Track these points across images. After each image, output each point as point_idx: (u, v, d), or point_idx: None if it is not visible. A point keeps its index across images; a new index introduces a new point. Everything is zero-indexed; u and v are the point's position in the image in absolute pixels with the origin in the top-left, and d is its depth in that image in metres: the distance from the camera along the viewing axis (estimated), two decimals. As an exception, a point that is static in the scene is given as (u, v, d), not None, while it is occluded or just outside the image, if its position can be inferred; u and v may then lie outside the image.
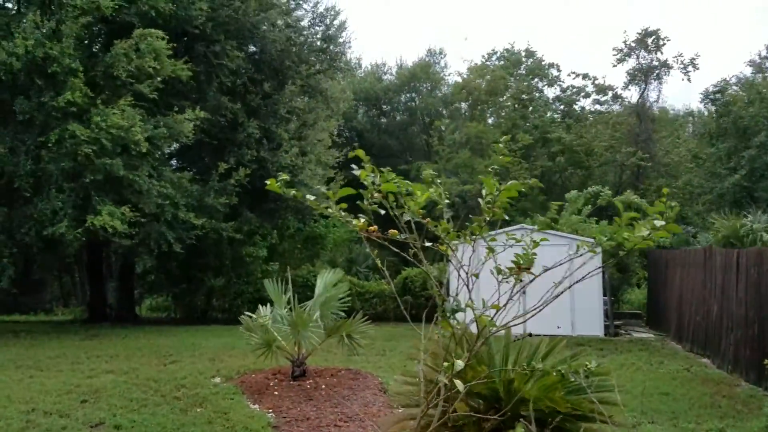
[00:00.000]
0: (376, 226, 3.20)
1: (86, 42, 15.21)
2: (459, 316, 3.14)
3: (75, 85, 13.52)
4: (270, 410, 7.35)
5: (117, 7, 14.28)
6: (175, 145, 18.58)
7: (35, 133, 14.15)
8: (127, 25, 14.99)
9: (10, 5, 15.75)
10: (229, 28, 17.24)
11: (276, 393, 8.10)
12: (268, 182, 3.21)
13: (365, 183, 3.14)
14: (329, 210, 3.17)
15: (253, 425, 6.71)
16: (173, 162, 20.30)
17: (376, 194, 3.06)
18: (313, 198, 3.25)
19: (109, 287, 21.91)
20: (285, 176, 3.26)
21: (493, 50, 32.09)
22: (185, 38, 17.24)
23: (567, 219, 17.44)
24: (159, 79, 14.77)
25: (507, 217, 3.08)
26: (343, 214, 3.20)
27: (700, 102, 25.47)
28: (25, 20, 13.86)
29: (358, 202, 3.18)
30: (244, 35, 17.77)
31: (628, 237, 2.94)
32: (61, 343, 13.84)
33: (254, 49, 18.76)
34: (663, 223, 2.86)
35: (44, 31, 13.59)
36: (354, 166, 3.19)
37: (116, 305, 20.95)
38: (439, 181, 3.26)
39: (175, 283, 20.71)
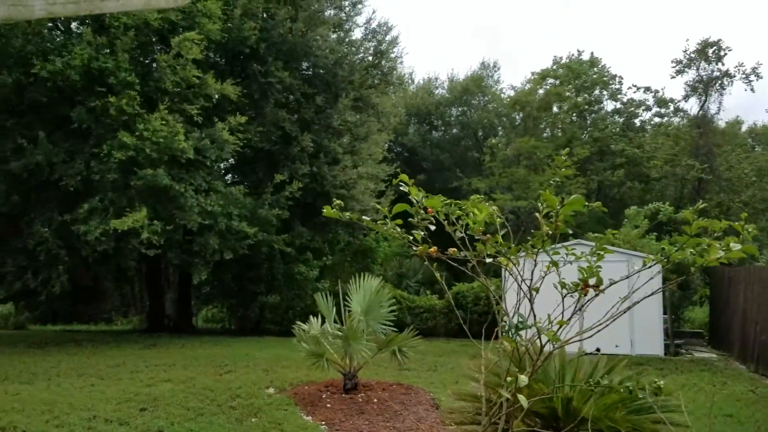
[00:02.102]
0: (435, 247, 3.20)
1: (141, 59, 15.82)
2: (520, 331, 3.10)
3: (129, 96, 14.09)
4: (323, 422, 7.38)
5: (166, 27, 14.85)
6: (231, 160, 19.05)
7: (91, 143, 14.76)
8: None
9: (74, 26, 16.53)
10: (281, 48, 17.65)
11: (328, 405, 8.14)
12: (324, 210, 3.29)
13: (413, 201, 3.16)
14: (385, 228, 3.19)
15: (307, 437, 6.75)
16: (228, 177, 20.82)
17: (422, 211, 3.08)
18: (368, 219, 3.29)
19: (168, 298, 22.55)
20: (339, 202, 3.33)
21: (559, 58, 31.46)
22: (241, 57, 17.74)
23: (625, 234, 17.01)
24: (203, 97, 15.26)
25: (570, 231, 3.02)
26: (399, 230, 3.23)
27: (768, 111, 24.59)
28: (79, 39, 14.56)
29: (410, 220, 3.20)
30: (296, 53, 18.14)
31: (700, 252, 2.85)
32: (121, 352, 14.28)
33: (307, 65, 19.13)
34: (739, 246, 2.78)
35: (96, 47, 14.22)
36: (402, 183, 3.21)
37: (174, 316, 21.53)
38: (488, 204, 3.24)
39: (229, 295, 21.13)
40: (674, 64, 25.38)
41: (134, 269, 22.12)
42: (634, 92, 28.42)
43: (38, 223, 14.69)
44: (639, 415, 3.81)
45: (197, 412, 7.82)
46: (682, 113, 27.68)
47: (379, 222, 3.31)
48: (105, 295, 28.66)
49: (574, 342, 3.30)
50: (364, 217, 3.41)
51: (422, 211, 3.17)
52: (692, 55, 24.92)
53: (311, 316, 9.14)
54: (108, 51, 14.37)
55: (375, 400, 8.33)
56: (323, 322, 9.06)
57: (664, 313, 14.62)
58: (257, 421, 7.42)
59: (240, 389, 9.27)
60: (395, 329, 9.27)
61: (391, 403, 8.28)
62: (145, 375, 10.70)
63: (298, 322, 9.08)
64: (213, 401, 8.48)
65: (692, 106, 26.68)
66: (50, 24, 15.61)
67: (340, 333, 8.64)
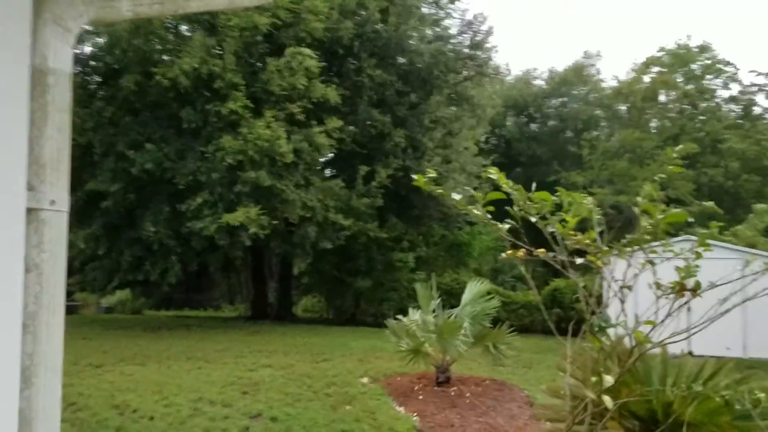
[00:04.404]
0: (523, 251, 3.11)
1: (249, 60, 16.48)
2: (610, 330, 2.96)
3: (237, 97, 14.71)
4: (415, 414, 7.43)
5: (272, 26, 15.36)
6: (330, 155, 19.52)
7: (201, 141, 15.57)
8: (284, 45, 16.06)
9: (184, 27, 17.46)
10: (375, 44, 17.83)
11: (420, 397, 8.19)
12: (415, 177, 3.25)
13: (511, 193, 3.06)
14: (475, 212, 3.12)
15: (399, 427, 6.82)
16: (327, 171, 21.34)
17: (527, 203, 2.97)
18: (458, 197, 3.22)
19: (270, 287, 23.47)
20: (432, 172, 3.27)
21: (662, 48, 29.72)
22: (339, 55, 18.10)
23: (742, 231, 15.91)
24: (307, 99, 15.70)
25: (669, 234, 2.83)
26: (489, 217, 3.15)
27: None
28: (190, 42, 15.35)
29: (506, 208, 3.12)
30: (390, 49, 18.26)
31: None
32: (227, 337, 15.03)
33: (403, 60, 19.19)
34: None
35: (206, 49, 14.94)
36: (492, 171, 3.13)
37: (276, 304, 22.41)
38: (589, 199, 3.09)
39: (327, 286, 21.73)
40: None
41: (240, 259, 23.21)
42: (756, 75, 26.29)
43: (148, 218, 15.68)
44: (747, 421, 3.55)
45: (295, 398, 8.10)
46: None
47: (470, 206, 3.24)
48: (214, 284, 30.30)
49: (673, 342, 3.11)
50: (453, 195, 3.34)
51: (524, 202, 3.05)
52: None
53: (411, 309, 9.23)
54: (217, 52, 15.09)
55: (467, 395, 8.29)
56: (420, 313, 9.09)
57: (783, 315, 13.53)
58: (351, 409, 7.58)
59: (335, 377, 9.50)
60: (490, 325, 9.16)
61: (483, 398, 8.21)
62: (248, 360, 11.20)
63: (398, 317, 9.14)
64: (310, 387, 8.75)
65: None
66: (167, 25, 16.57)
67: (434, 326, 8.63)
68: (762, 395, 2.80)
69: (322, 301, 23.94)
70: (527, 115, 33.63)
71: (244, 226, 14.50)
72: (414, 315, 8.97)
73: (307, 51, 15.23)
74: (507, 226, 3.12)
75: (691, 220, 2.87)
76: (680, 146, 3.20)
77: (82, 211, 16.52)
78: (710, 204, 3.02)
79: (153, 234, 15.41)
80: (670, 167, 3.02)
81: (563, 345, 3.64)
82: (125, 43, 15.36)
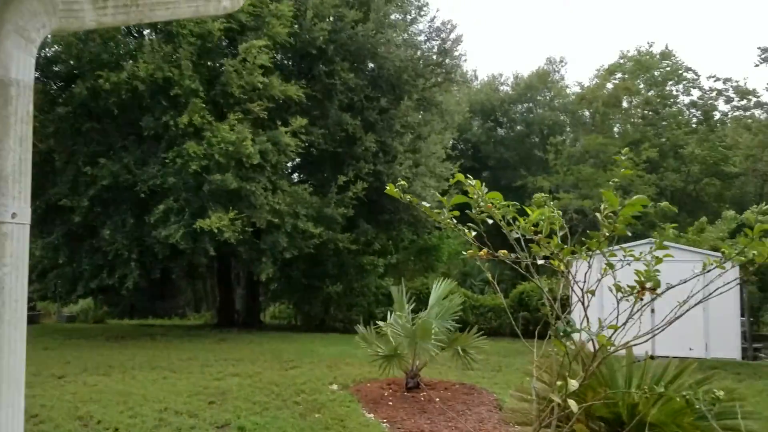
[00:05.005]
0: (486, 250, 3.15)
1: (207, 64, 16.27)
2: (575, 334, 3.01)
3: (195, 106, 14.48)
4: (384, 420, 7.42)
5: (232, 30, 15.18)
6: (297, 160, 19.40)
7: (162, 147, 15.29)
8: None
9: (147, 32, 17.16)
10: (348, 49, 17.83)
11: (390, 403, 8.18)
12: (387, 188, 3.28)
13: (471, 198, 3.10)
14: (442, 217, 3.16)
15: (368, 434, 6.80)
16: (295, 176, 21.22)
17: (482, 204, 3.02)
18: (427, 205, 3.26)
19: (237, 294, 23.20)
20: (403, 182, 3.31)
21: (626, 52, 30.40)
22: (308, 58, 18.03)
23: (708, 233, 16.36)
24: (268, 99, 15.52)
25: (629, 233, 2.91)
26: (454, 222, 3.19)
27: None
28: (144, 48, 15.08)
29: (467, 211, 3.16)
30: (363, 54, 18.29)
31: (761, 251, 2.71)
32: (193, 346, 14.79)
33: (372, 66, 19.25)
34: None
35: (162, 55, 14.67)
36: (461, 182, 3.17)
37: (243, 311, 22.15)
38: (552, 203, 3.15)
39: (296, 293, 21.58)
40: (761, 52, 23.95)
41: (206, 266, 22.90)
42: (715, 81, 27.07)
43: (109, 226, 15.35)
44: (708, 421, 3.64)
45: (263, 407, 8.01)
46: (765, 106, 26.20)
47: (435, 210, 3.28)
48: (179, 292, 29.80)
49: (634, 345, 3.18)
50: (424, 203, 3.37)
51: (480, 204, 3.10)
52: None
53: (389, 313, 9.20)
54: (173, 59, 14.80)
55: (437, 400, 8.31)
56: (393, 316, 9.08)
57: (742, 316, 13.94)
58: (320, 417, 7.53)
59: (304, 385, 9.43)
60: (459, 326, 9.21)
61: (453, 403, 8.24)
62: (215, 369, 11.04)
63: (378, 322, 9.08)
64: (278, 396, 8.67)
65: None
66: (124, 29, 16.23)
67: (409, 329, 8.62)
68: (721, 394, 2.88)
69: (290, 307, 23.76)
70: (494, 120, 34.02)
71: (212, 232, 14.27)
72: (391, 319, 8.95)
73: (259, 42, 14.97)
74: (474, 233, 3.15)
75: (649, 209, 2.94)
76: (626, 149, 3.26)
77: (42, 221, 16.12)
78: (665, 204, 3.09)
79: (111, 242, 15.10)
80: (623, 170, 3.08)
81: (531, 348, 3.69)
82: (75, 48, 15.02)
